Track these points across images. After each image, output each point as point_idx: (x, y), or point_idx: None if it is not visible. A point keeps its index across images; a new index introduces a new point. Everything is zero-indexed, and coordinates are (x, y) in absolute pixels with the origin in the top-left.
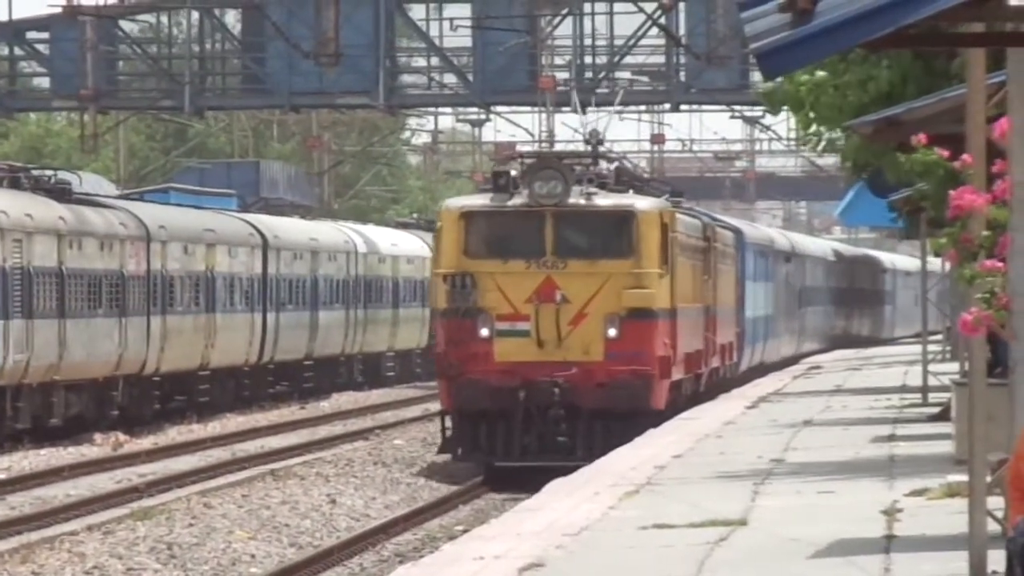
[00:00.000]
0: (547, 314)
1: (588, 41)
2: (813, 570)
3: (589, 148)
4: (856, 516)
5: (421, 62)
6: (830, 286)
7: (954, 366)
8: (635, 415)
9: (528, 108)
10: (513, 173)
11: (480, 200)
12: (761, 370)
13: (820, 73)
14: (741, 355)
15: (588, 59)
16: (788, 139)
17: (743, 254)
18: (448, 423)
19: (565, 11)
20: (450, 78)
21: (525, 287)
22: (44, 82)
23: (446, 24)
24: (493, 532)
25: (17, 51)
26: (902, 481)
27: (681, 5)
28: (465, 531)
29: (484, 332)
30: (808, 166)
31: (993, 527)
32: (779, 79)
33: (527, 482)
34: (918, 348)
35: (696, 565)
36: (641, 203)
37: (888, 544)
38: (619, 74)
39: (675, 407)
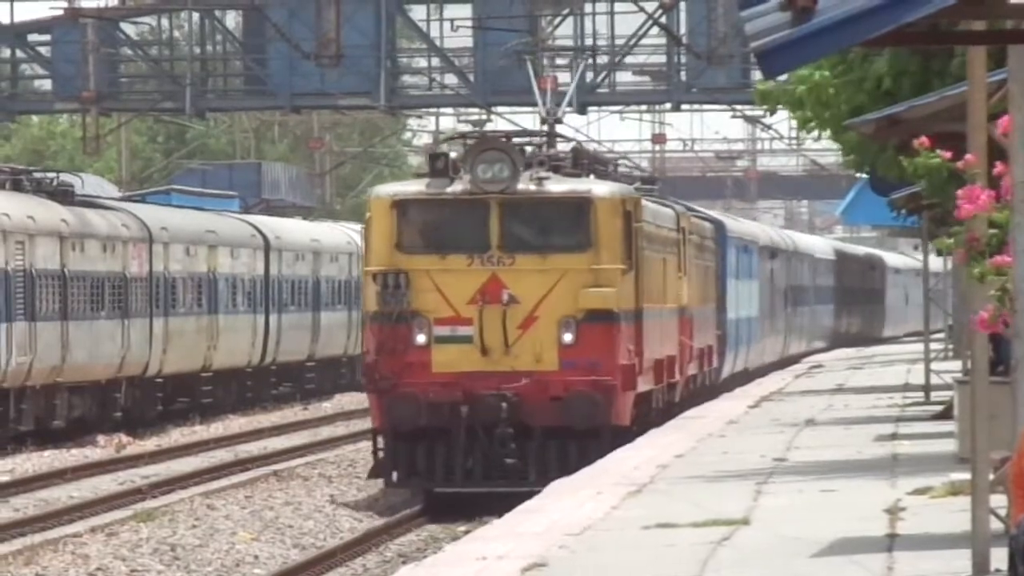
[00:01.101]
0: (492, 317)
1: (589, 41)
2: (816, 569)
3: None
4: (859, 515)
5: (422, 63)
6: (820, 284)
7: (956, 364)
8: (595, 433)
9: (528, 108)
10: (453, 155)
11: (415, 187)
12: (745, 377)
13: (819, 73)
14: (723, 360)
15: (588, 58)
16: (789, 138)
17: (724, 249)
18: (381, 443)
19: (566, 11)
20: (451, 79)
21: (467, 286)
22: (46, 84)
23: (447, 25)
24: (495, 532)
25: (19, 54)
26: (905, 479)
27: (682, 4)
28: (467, 532)
29: (420, 339)
30: (809, 165)
31: (996, 525)
32: (780, 78)
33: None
34: (919, 347)
35: (699, 565)
36: (600, 188)
37: (891, 542)
38: (620, 74)
39: (644, 422)
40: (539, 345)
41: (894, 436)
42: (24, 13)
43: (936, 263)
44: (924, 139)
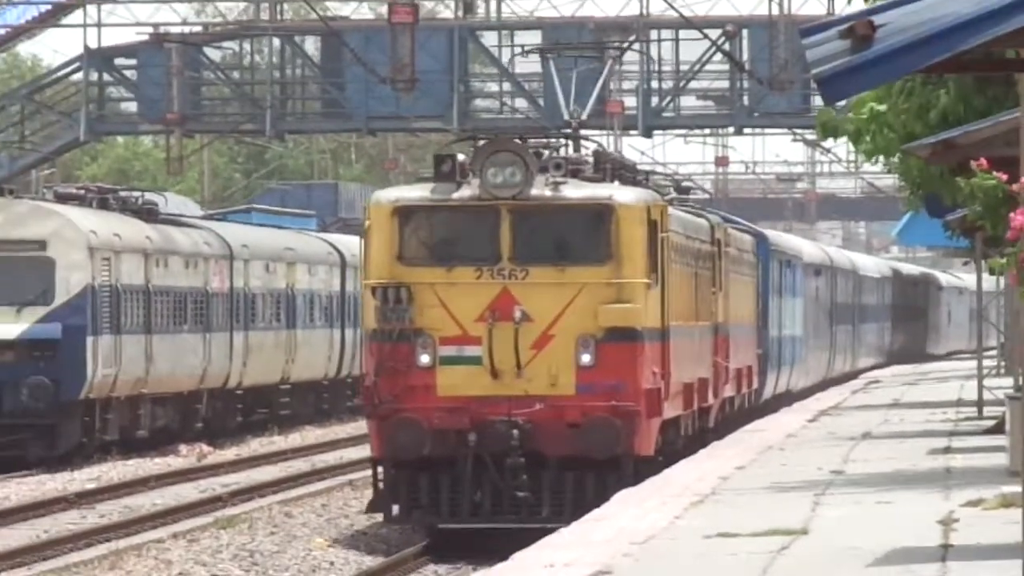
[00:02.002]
0: (503, 336)
1: (654, 66)
2: None
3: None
4: (913, 526)
5: (493, 87)
6: (866, 303)
7: (1008, 381)
8: (616, 463)
9: (597, 131)
10: (462, 158)
11: (418, 192)
12: (788, 398)
13: (874, 106)
14: (764, 380)
15: (654, 84)
16: (848, 161)
17: (766, 263)
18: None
19: (632, 38)
20: (521, 102)
21: (475, 302)
22: (131, 106)
23: (517, 50)
24: (562, 540)
25: (106, 77)
26: (958, 492)
27: (744, 32)
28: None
29: (424, 359)
30: (867, 187)
31: None
32: (840, 104)
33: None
34: (973, 363)
35: (759, 573)
36: (622, 195)
37: (944, 553)
38: (684, 99)
39: (671, 451)
40: (555, 367)
41: (947, 450)
42: (111, 38)
43: (988, 282)
44: (982, 160)
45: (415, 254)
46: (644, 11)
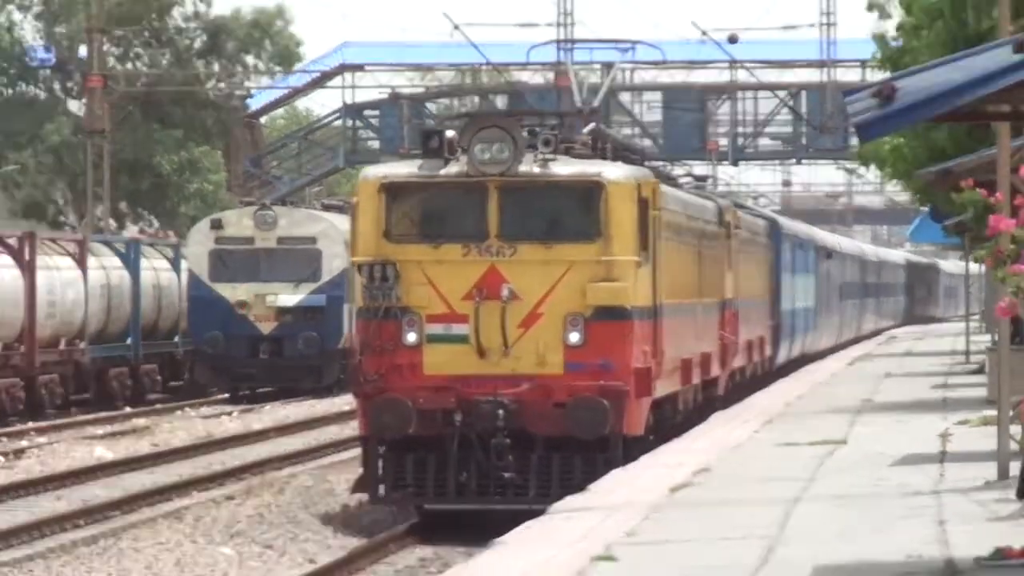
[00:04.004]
0: (490, 314)
1: (740, 116)
2: (891, 474)
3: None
4: (921, 437)
5: (627, 131)
6: (870, 282)
7: (987, 337)
8: (604, 444)
9: (699, 162)
10: (451, 134)
11: (406, 168)
12: (802, 361)
13: (895, 141)
14: (777, 348)
15: (740, 128)
16: (875, 183)
17: (779, 245)
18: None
19: (725, 96)
20: (646, 142)
21: (463, 280)
22: (375, 143)
23: (644, 105)
24: (676, 447)
25: (357, 123)
26: (952, 414)
27: (803, 93)
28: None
29: (410, 338)
30: (888, 201)
31: (1013, 446)
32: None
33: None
34: (963, 324)
35: (814, 469)
36: (612, 171)
37: (942, 456)
38: (761, 139)
39: (669, 426)
40: (542, 346)
41: (944, 385)
42: (361, 96)
43: (974, 268)
44: (970, 181)
45: (402, 231)
46: (733, 78)
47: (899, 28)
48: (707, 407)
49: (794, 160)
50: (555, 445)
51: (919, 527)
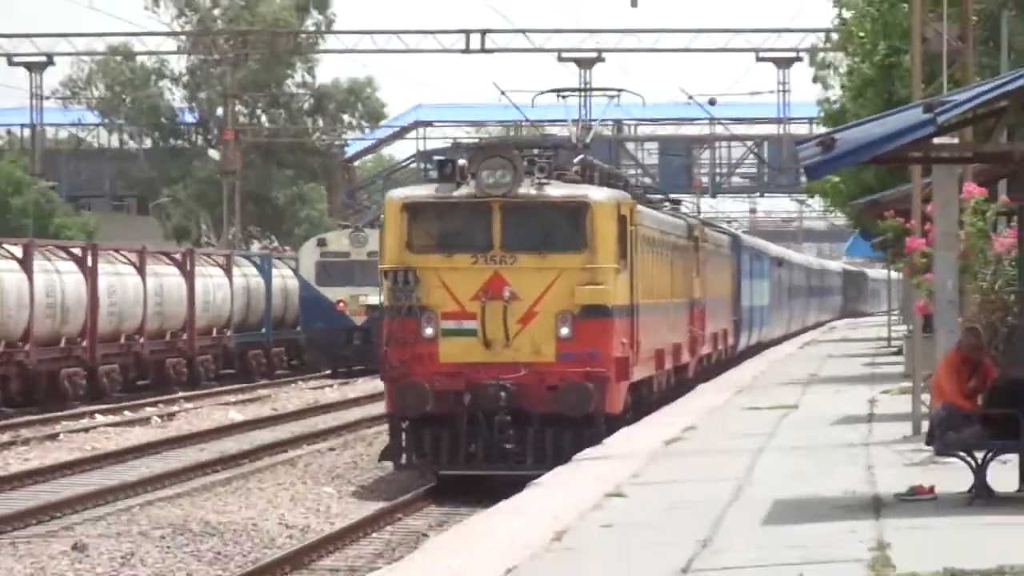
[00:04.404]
0: (495, 312)
1: (717, 160)
2: (833, 430)
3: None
4: (854, 402)
5: (631, 171)
6: (812, 285)
7: (904, 327)
8: (589, 420)
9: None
10: (461, 162)
11: (424, 191)
12: (759, 348)
13: (837, 178)
14: (738, 338)
15: (718, 169)
16: (821, 210)
17: (739, 256)
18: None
19: (706, 145)
20: (646, 179)
21: (471, 283)
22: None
23: (645, 152)
24: (670, 411)
25: (428, 165)
26: (878, 385)
27: (765, 143)
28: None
29: (428, 331)
30: (830, 224)
31: (924, 409)
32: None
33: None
34: (886, 318)
35: (774, 427)
36: (596, 193)
37: (871, 417)
38: (734, 178)
39: (646, 404)
40: (538, 338)
41: (872, 363)
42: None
43: (894, 275)
44: (892, 211)
45: (421, 243)
46: (712, 131)
47: (843, 88)
48: (679, 388)
49: (758, 193)
50: (548, 421)
51: (853, 471)
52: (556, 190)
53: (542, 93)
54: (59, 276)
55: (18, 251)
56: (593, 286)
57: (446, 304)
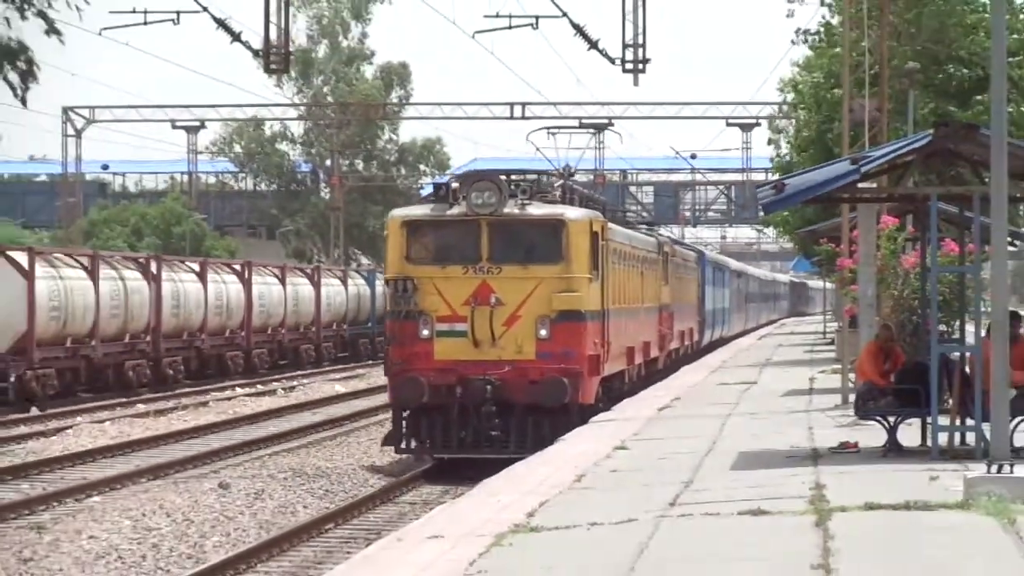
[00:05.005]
0: (483, 316)
1: (697, 199)
2: (783, 400)
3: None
4: (798, 379)
5: (632, 208)
6: (764, 292)
7: (835, 324)
8: (565, 410)
9: (674, 225)
10: (454, 185)
11: (421, 210)
12: (721, 342)
13: (786, 213)
14: (703, 335)
15: (699, 205)
16: (775, 237)
17: (704, 268)
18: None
19: (688, 188)
20: (644, 214)
21: (463, 291)
22: None
23: (643, 194)
24: (658, 389)
25: None
26: (816, 367)
27: (733, 187)
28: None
29: (425, 332)
30: (781, 248)
31: (850, 385)
32: (771, 214)
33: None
34: (822, 317)
35: (738, 397)
36: (571, 212)
37: (811, 391)
38: (710, 212)
39: (619, 394)
40: (520, 339)
41: (812, 351)
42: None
43: (828, 285)
44: (826, 239)
45: (419, 255)
46: (693, 178)
47: (792, 146)
48: (650, 378)
49: (727, 224)
50: (529, 411)
51: (798, 430)
52: (537, 209)
53: (535, 131)
54: (224, 286)
55: (196, 267)
56: (568, 293)
57: (440, 309)
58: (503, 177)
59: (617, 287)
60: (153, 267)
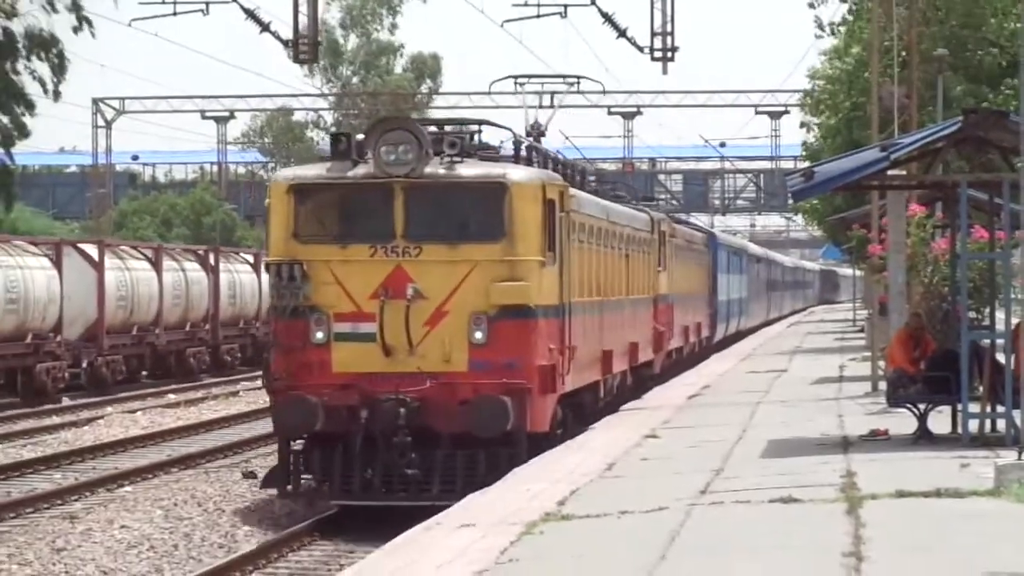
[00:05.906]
0: (396, 313)
1: (727, 187)
2: (813, 388)
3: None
4: (829, 367)
5: (662, 196)
6: (789, 279)
7: (865, 311)
8: (508, 440)
9: (703, 213)
10: (359, 137)
11: (314, 170)
12: (738, 336)
13: (815, 200)
14: (715, 329)
15: (727, 194)
16: (803, 224)
17: (715, 252)
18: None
19: (718, 176)
20: (673, 202)
21: (369, 279)
22: None
23: (672, 182)
24: (687, 377)
25: None
26: (846, 354)
27: (762, 174)
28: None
29: (318, 336)
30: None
31: (880, 372)
32: (800, 201)
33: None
34: (851, 304)
35: (769, 385)
36: (516, 173)
37: (841, 378)
38: (739, 200)
39: (590, 413)
40: (447, 344)
41: (842, 338)
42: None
43: (858, 273)
44: (856, 225)
45: (310, 231)
46: (722, 166)
47: (820, 136)
48: (640, 386)
49: (756, 212)
50: (460, 442)
51: (828, 418)
52: (469, 169)
53: (498, 80)
54: (237, 275)
55: (250, 258)
56: (512, 282)
57: (340, 304)
58: (429, 130)
59: (586, 274)
60: (211, 259)
